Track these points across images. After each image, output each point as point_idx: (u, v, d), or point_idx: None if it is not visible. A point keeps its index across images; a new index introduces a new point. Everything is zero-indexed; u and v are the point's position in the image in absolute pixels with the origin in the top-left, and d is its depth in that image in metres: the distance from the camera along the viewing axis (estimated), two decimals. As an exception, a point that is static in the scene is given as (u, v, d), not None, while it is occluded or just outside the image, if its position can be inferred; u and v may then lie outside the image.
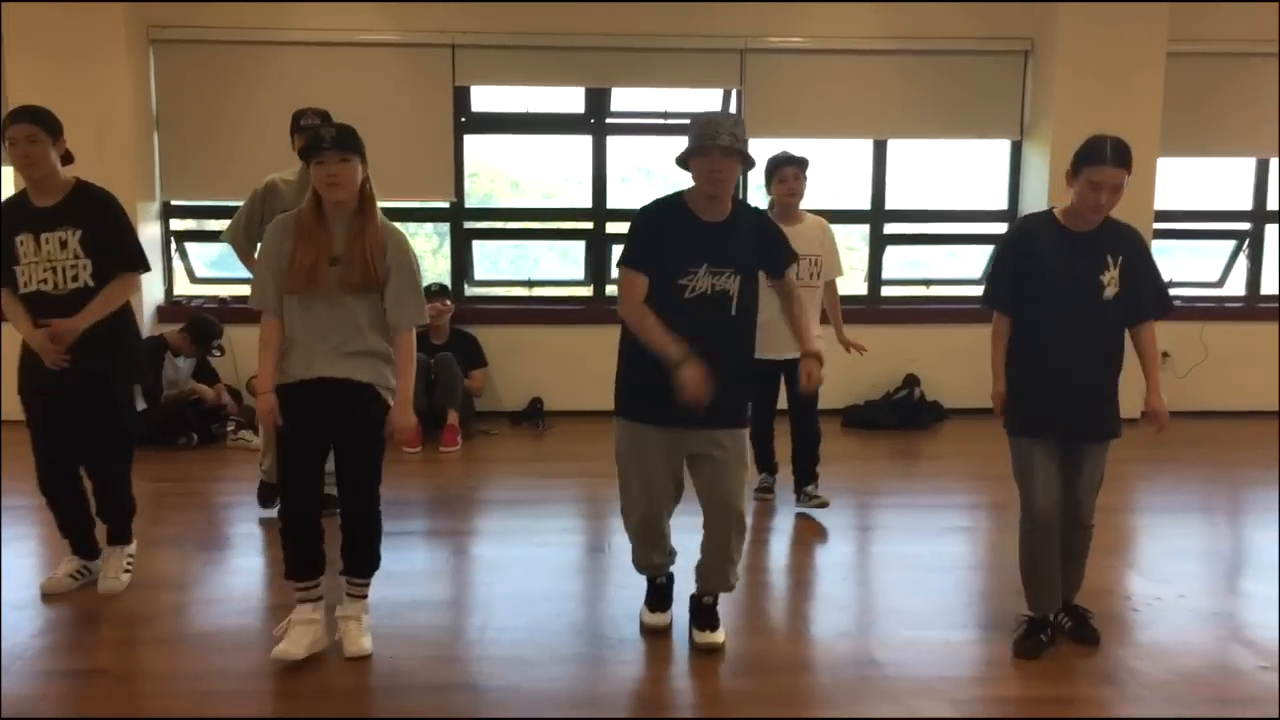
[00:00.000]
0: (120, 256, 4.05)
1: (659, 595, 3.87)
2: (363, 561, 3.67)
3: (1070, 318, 3.57)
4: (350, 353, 3.52)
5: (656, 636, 3.78)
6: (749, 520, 3.81)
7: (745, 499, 3.66)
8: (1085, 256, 3.57)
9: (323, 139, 3.43)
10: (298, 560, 3.60)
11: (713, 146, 3.42)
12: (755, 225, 3.67)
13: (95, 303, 3.96)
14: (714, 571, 3.72)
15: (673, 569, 3.88)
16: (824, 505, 5.30)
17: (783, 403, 5.35)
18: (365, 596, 3.71)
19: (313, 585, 3.62)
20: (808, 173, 5.24)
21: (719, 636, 3.71)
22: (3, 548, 4.66)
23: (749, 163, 3.50)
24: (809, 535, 5.08)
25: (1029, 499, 3.67)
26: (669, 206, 3.60)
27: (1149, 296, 3.63)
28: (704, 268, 3.48)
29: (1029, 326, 3.65)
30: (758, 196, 7.06)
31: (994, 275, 3.78)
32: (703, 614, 3.76)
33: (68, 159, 4.03)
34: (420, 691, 3.37)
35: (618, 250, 7.61)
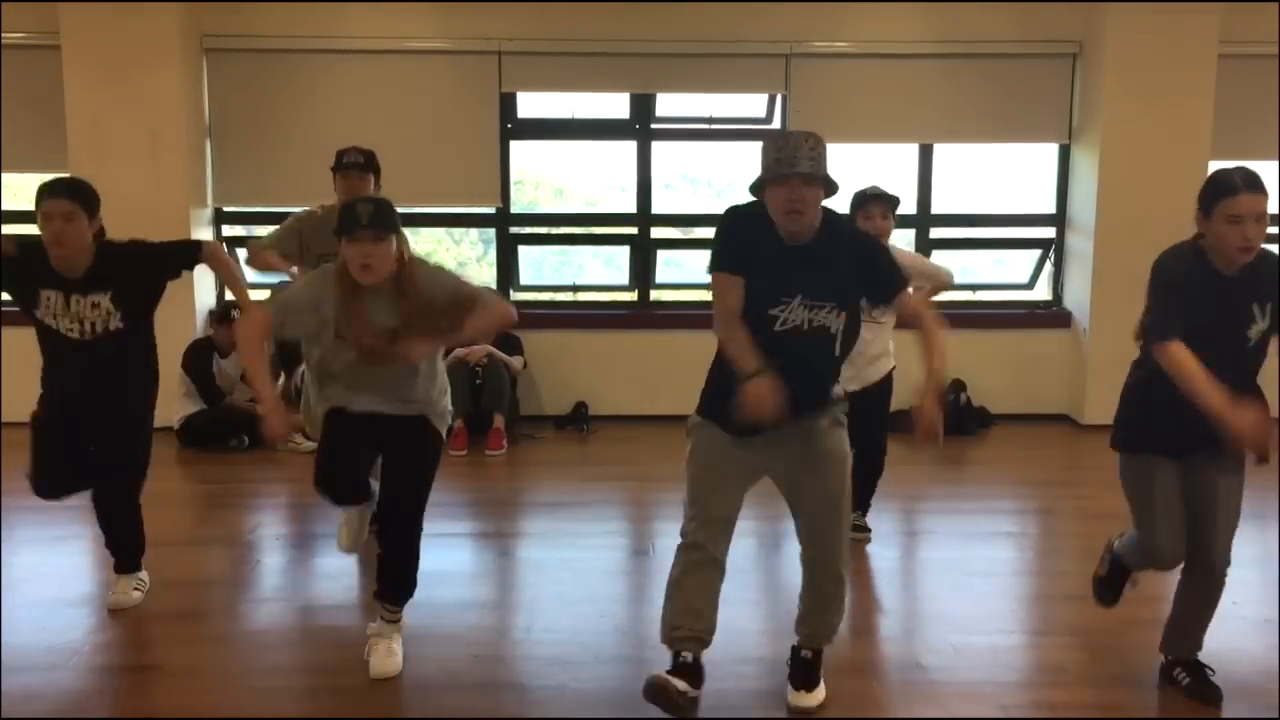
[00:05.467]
0: (171, 268, 3.93)
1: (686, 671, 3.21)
2: (396, 587, 3.56)
3: (1211, 359, 3.08)
4: (399, 400, 3.51)
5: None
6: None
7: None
8: (1233, 307, 3.17)
9: (359, 218, 3.23)
10: (341, 485, 3.61)
11: (791, 174, 2.95)
12: (853, 248, 3.16)
13: (241, 291, 4.16)
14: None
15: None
16: (865, 534, 4.93)
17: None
18: (398, 622, 3.59)
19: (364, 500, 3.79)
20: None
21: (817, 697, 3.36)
22: (55, 546, 4.78)
23: (832, 188, 3.03)
24: (855, 541, 5.07)
25: (1149, 536, 3.32)
26: (753, 218, 3.09)
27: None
28: (798, 299, 3.04)
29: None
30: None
31: (1163, 307, 3.16)
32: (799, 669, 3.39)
33: (100, 235, 3.75)
34: (467, 690, 3.41)
35: (663, 255, 7.73)
